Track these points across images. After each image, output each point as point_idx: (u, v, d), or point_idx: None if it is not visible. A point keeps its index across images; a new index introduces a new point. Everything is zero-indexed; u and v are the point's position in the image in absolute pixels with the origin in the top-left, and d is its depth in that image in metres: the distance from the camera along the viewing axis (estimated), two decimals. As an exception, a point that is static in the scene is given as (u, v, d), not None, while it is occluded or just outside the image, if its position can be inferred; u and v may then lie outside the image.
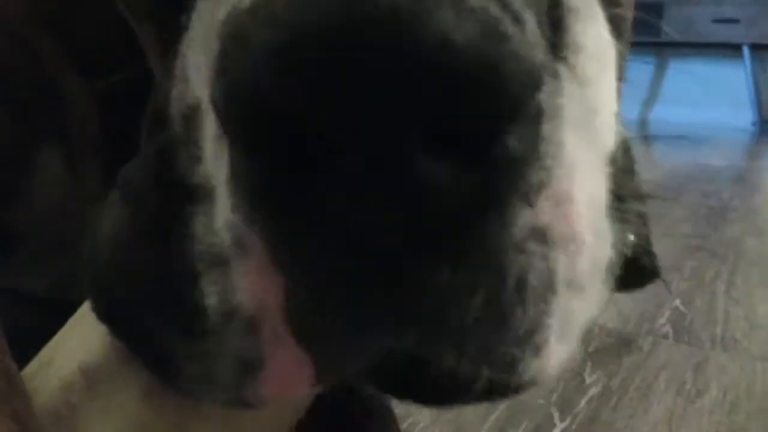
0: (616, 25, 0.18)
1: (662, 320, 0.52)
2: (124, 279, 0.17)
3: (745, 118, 3.35)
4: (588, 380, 0.42)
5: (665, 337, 0.49)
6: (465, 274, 0.11)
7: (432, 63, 0.10)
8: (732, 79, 3.34)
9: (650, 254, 0.17)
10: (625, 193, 0.15)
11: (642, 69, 3.55)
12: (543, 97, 0.12)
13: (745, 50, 3.14)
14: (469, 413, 0.37)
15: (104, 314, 0.17)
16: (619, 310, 0.52)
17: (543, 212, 0.12)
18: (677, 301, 0.56)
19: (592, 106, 0.15)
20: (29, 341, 0.21)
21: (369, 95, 0.10)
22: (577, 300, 0.14)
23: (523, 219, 0.12)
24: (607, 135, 0.15)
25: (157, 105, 0.16)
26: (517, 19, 0.11)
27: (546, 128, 0.12)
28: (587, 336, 0.32)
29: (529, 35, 0.11)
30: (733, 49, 3.29)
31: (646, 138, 1.92)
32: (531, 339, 0.13)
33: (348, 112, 0.10)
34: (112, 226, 0.17)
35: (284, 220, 0.12)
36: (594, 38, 0.14)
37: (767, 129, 3.10)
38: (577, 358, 0.34)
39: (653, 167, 1.41)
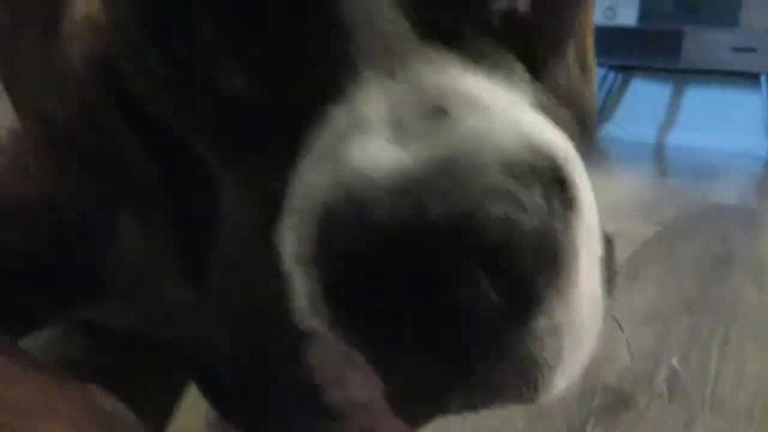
0: (585, 126, 0.26)
1: (659, 379, 0.58)
2: (253, 389, 0.23)
3: (759, 145, 3.38)
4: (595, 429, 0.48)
5: (660, 396, 0.55)
6: (503, 360, 0.19)
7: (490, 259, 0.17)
8: (748, 106, 3.37)
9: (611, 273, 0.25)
10: (606, 275, 0.22)
11: (660, 94, 3.58)
12: (562, 256, 0.19)
13: (763, 79, 3.17)
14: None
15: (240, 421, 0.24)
16: (621, 369, 0.59)
17: (558, 317, 0.19)
18: (674, 360, 0.62)
19: (592, 230, 0.22)
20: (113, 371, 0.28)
21: (434, 278, 0.17)
22: (576, 354, 0.21)
23: (544, 323, 0.19)
24: (598, 243, 0.22)
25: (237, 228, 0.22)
26: (546, 205, 0.18)
27: (564, 272, 0.19)
28: (591, 394, 0.40)
29: (553, 219, 0.18)
30: (751, 78, 3.32)
31: (662, 164, 1.97)
32: (541, 380, 0.20)
33: (421, 287, 0.17)
34: (228, 345, 0.24)
35: (388, 356, 0.19)
36: (582, 176, 0.21)
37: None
38: (582, 415, 0.41)
39: (667, 204, 1.47)
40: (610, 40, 3.42)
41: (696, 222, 1.30)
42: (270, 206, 0.19)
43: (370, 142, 0.18)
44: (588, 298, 0.20)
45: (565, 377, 0.20)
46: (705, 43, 3.22)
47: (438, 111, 0.18)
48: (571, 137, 0.21)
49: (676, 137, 3.48)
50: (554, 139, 0.19)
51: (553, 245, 0.18)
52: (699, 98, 3.50)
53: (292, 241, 0.18)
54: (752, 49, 3.12)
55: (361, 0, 0.19)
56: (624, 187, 1.66)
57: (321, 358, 0.19)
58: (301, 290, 0.18)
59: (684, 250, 1.04)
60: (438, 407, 0.20)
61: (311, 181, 0.18)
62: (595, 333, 0.21)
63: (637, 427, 0.49)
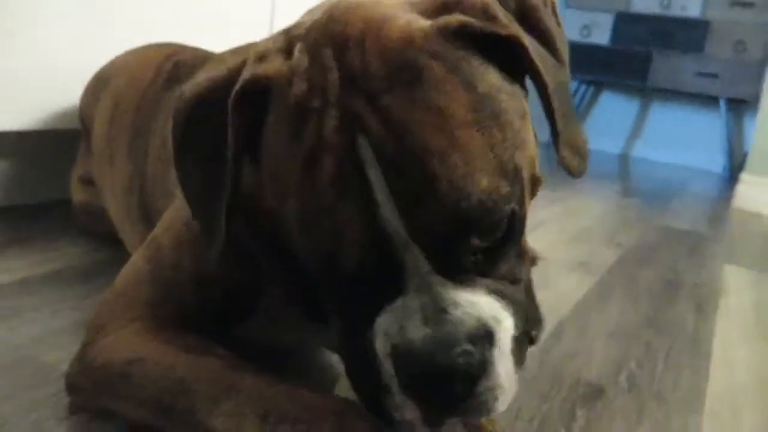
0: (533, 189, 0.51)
1: (622, 377, 0.84)
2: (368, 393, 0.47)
3: (717, 163, 3.70)
4: (578, 412, 0.73)
5: (623, 389, 0.81)
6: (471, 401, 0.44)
7: (463, 377, 0.43)
8: (708, 127, 3.69)
9: (538, 332, 0.50)
10: (531, 329, 0.48)
11: (627, 110, 3.85)
12: (489, 367, 0.43)
13: (722, 103, 3.48)
14: None
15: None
16: (596, 370, 0.84)
17: (489, 385, 0.44)
18: (633, 364, 0.88)
19: (504, 347, 0.46)
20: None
21: (451, 387, 0.42)
22: (503, 396, 0.45)
23: (484, 388, 0.44)
24: (508, 352, 0.46)
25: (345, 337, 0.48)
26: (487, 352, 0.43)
27: (490, 372, 0.44)
28: (576, 387, 0.66)
29: (484, 354, 0.43)
30: (712, 101, 3.63)
31: (626, 182, 2.21)
32: (488, 407, 0.44)
33: (447, 391, 0.43)
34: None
35: (428, 414, 0.44)
36: (504, 324, 0.46)
37: (735, 175, 3.45)
38: (570, 402, 0.67)
39: (629, 229, 1.73)
40: (584, 56, 3.69)
41: (652, 247, 1.56)
42: (355, 328, 0.45)
43: (411, 323, 0.42)
44: (504, 375, 0.44)
45: (502, 402, 0.45)
46: (671, 66, 3.53)
47: (443, 310, 0.42)
48: (511, 297, 0.46)
49: (640, 150, 3.79)
50: (492, 312, 0.44)
51: (483, 366, 0.43)
52: (663, 116, 3.80)
53: (382, 351, 0.43)
54: (714, 75, 3.44)
55: (409, 256, 0.42)
56: (592, 211, 1.92)
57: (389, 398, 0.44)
58: (386, 369, 0.43)
59: (641, 276, 1.31)
60: (445, 419, 0.45)
61: (387, 331, 0.43)
62: (513, 386, 0.45)
63: (608, 410, 0.75)
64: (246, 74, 0.47)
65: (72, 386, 0.59)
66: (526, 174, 0.46)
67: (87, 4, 1.09)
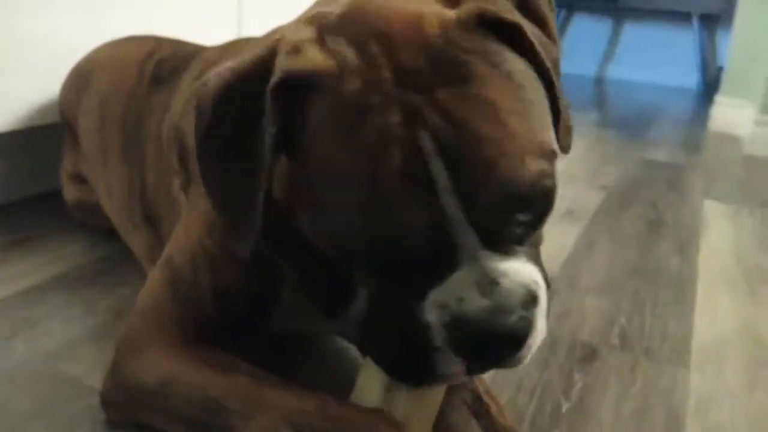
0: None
1: (613, 335, 0.89)
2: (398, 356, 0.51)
3: (691, 79, 3.72)
4: (576, 376, 0.79)
5: (615, 347, 0.86)
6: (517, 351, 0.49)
7: (516, 339, 0.47)
8: (681, 44, 3.68)
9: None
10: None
11: (600, 31, 3.83)
12: (533, 327, 0.49)
13: (694, 19, 3.47)
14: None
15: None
16: (590, 330, 0.89)
17: (531, 342, 0.49)
18: (623, 319, 0.93)
19: (543, 305, 0.50)
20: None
21: (502, 349, 0.47)
22: (537, 342, 0.50)
23: (531, 340, 0.48)
24: (545, 306, 0.51)
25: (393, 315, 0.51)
26: (529, 308, 0.48)
27: (532, 331, 0.49)
28: (573, 349, 0.72)
29: (530, 314, 0.48)
30: (684, 17, 3.62)
31: (602, 111, 2.22)
32: (526, 358, 0.50)
33: (498, 351, 0.47)
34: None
35: (474, 368, 0.48)
36: (542, 287, 0.51)
37: (710, 91, 3.48)
38: (569, 364, 0.72)
39: (609, 166, 1.77)
40: (557, -22, 3.63)
41: (634, 185, 1.61)
42: (400, 308, 0.49)
43: (470, 295, 0.46)
44: (540, 330, 0.49)
45: (532, 353, 0.50)
46: (644, -18, 3.48)
47: (494, 281, 0.46)
48: (537, 261, 0.51)
49: (615, 72, 3.79)
50: (533, 277, 0.48)
51: (532, 328, 0.47)
52: (636, 36, 3.78)
53: (436, 322, 0.47)
54: (686, -9, 3.41)
55: (462, 236, 0.45)
56: (573, 147, 1.95)
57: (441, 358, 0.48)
58: (439, 336, 0.47)
59: (625, 219, 1.35)
60: (487, 369, 0.50)
61: (444, 303, 0.47)
62: (542, 337, 0.50)
63: (603, 370, 0.80)
64: (286, 65, 0.47)
65: (108, 403, 0.62)
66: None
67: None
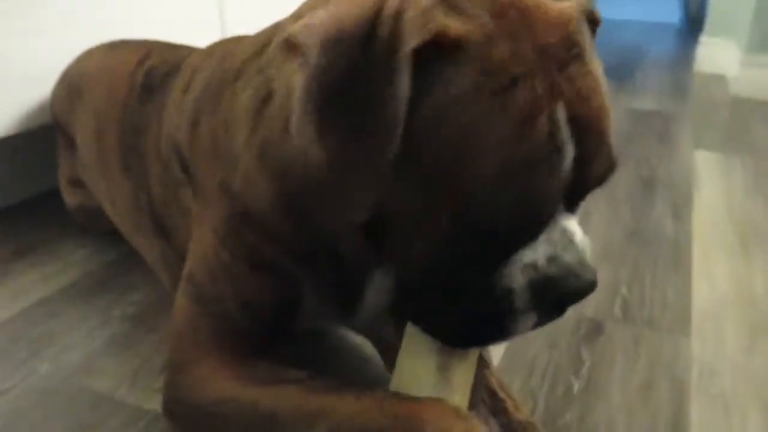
0: None
1: (616, 307, 0.92)
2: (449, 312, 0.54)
3: (673, 14, 3.69)
4: (584, 354, 0.82)
5: (619, 320, 0.89)
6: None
7: (588, 290, 0.52)
8: (663, -22, 3.63)
9: None
10: None
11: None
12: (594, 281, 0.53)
13: (676, -49, 3.39)
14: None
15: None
16: (593, 304, 0.92)
17: None
18: (624, 289, 0.96)
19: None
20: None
21: (581, 296, 0.52)
22: None
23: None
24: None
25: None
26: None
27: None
28: (578, 326, 0.75)
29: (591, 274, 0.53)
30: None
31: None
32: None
33: (579, 297, 0.52)
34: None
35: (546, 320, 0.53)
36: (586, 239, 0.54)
37: (692, 27, 3.46)
38: (575, 341, 0.75)
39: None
40: None
41: (625, 139, 1.62)
42: (475, 275, 0.52)
43: (552, 251, 0.50)
44: None
45: None
46: None
47: (570, 240, 0.51)
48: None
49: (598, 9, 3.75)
50: (586, 241, 0.53)
51: (595, 279, 0.52)
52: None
53: (521, 282, 0.51)
54: None
55: (551, 208, 0.50)
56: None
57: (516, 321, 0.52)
58: (522, 299, 0.51)
59: (619, 178, 1.37)
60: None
61: (526, 263, 0.51)
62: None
63: (608, 345, 0.83)
64: (428, 26, 0.45)
65: (171, 415, 0.64)
66: None
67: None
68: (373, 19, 0.46)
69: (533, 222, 0.50)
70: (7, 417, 0.70)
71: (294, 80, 0.56)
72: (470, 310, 0.52)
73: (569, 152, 0.48)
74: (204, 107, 0.70)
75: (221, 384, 0.60)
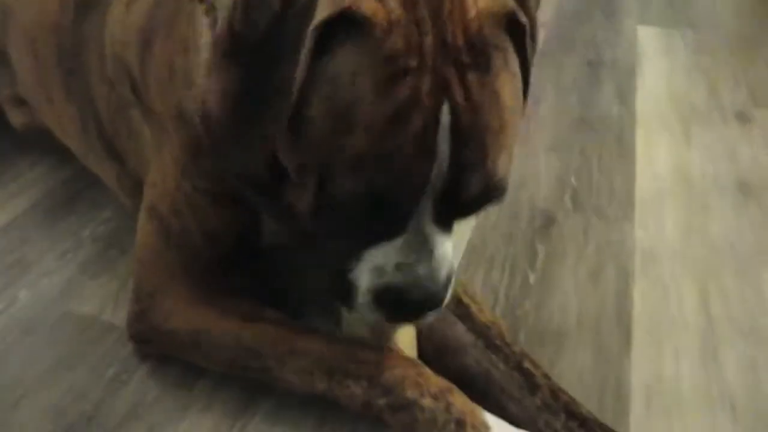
0: None
1: (566, 197, 0.98)
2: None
3: None
4: (538, 246, 0.89)
5: (569, 210, 0.96)
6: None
7: (433, 307, 0.54)
8: None
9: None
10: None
11: None
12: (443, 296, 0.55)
13: None
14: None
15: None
16: (545, 196, 0.98)
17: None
18: (573, 179, 1.02)
19: (452, 276, 0.58)
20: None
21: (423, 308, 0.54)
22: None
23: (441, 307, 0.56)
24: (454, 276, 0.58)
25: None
26: (444, 286, 0.55)
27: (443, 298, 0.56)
28: (532, 218, 0.82)
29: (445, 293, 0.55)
30: None
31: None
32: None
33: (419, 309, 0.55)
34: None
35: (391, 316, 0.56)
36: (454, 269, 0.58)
37: None
38: (530, 233, 0.82)
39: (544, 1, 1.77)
40: None
41: (571, 19, 1.62)
42: (341, 259, 0.54)
43: (404, 259, 0.51)
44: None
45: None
46: None
47: (430, 252, 0.51)
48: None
49: None
50: (452, 258, 0.54)
51: (443, 296, 0.53)
52: None
53: (365, 283, 0.53)
54: None
55: (425, 206, 0.50)
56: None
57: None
58: (364, 297, 0.53)
59: (566, 63, 1.40)
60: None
61: (376, 264, 0.52)
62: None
63: (560, 236, 0.90)
64: (342, 3, 0.46)
65: (141, 341, 0.68)
66: None
67: None
68: None
69: (388, 216, 0.49)
70: (-1, 347, 0.73)
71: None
72: (327, 283, 0.55)
73: (441, 158, 0.47)
74: (156, 27, 0.68)
75: (194, 314, 0.64)
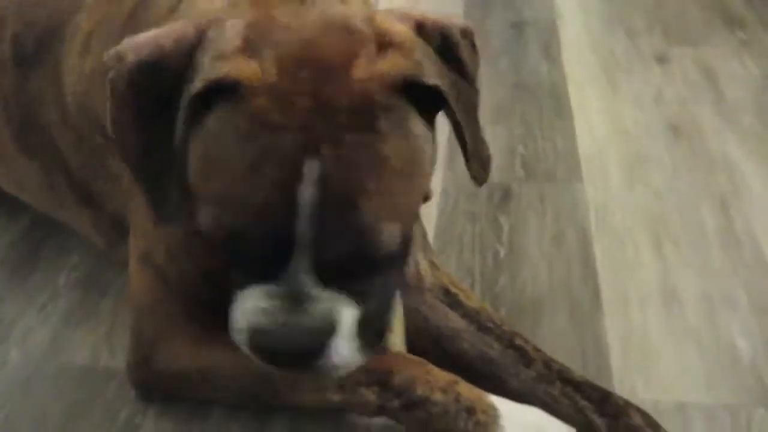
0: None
1: (517, 166, 1.04)
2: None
3: None
4: (501, 220, 0.94)
5: (522, 179, 1.01)
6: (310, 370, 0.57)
7: (304, 361, 0.55)
8: None
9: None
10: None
11: None
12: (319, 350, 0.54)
13: None
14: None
15: None
16: (498, 169, 1.03)
17: (332, 360, 0.55)
18: (520, 147, 1.08)
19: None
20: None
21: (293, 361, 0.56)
22: (346, 363, 0.56)
23: (325, 361, 0.55)
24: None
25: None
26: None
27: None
28: (491, 193, 0.88)
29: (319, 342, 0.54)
30: None
31: None
32: (329, 373, 0.56)
33: (290, 362, 0.56)
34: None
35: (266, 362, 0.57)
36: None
37: None
38: (491, 209, 0.87)
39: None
40: None
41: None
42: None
43: (271, 307, 0.53)
44: (345, 355, 0.54)
45: (341, 370, 0.55)
46: None
47: (303, 305, 0.52)
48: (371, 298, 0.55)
49: None
50: (339, 310, 0.53)
51: (321, 352, 0.53)
52: None
53: (238, 321, 0.56)
54: None
55: (300, 257, 0.51)
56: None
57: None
58: (245, 337, 0.56)
59: (490, 26, 1.44)
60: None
61: (246, 305, 0.54)
62: (356, 360, 0.55)
63: (519, 207, 0.96)
64: (212, 73, 0.51)
65: (146, 388, 0.70)
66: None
67: None
68: (184, 52, 0.52)
69: (253, 260, 0.52)
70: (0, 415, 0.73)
71: None
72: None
73: (305, 211, 0.49)
74: None
75: (199, 352, 0.66)
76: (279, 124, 0.49)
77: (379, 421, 0.68)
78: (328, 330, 0.53)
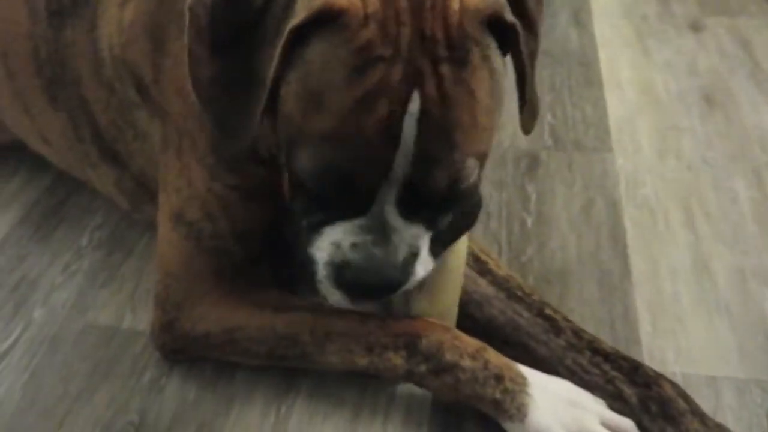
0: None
1: (546, 136, 1.01)
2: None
3: None
4: (528, 189, 0.92)
5: (550, 148, 0.99)
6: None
7: (390, 289, 0.56)
8: None
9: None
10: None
11: None
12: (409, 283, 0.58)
13: None
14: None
15: None
16: (530, 136, 1.01)
17: (414, 281, 0.58)
18: (549, 116, 1.05)
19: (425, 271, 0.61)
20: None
21: (378, 294, 0.57)
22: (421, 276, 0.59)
23: (408, 285, 0.58)
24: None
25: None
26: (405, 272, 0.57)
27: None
28: (518, 160, 0.86)
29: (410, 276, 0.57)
30: None
31: None
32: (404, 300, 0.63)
33: (375, 295, 0.58)
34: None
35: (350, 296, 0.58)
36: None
37: None
38: (519, 175, 0.86)
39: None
40: None
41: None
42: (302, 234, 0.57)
43: (360, 240, 0.53)
44: (422, 272, 0.57)
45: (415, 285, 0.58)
46: None
47: (388, 236, 0.53)
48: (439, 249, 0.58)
49: None
50: (417, 249, 0.55)
51: (406, 279, 0.56)
52: None
53: (322, 256, 0.56)
54: None
55: (388, 191, 0.52)
56: None
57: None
58: (322, 272, 0.56)
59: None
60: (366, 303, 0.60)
61: (333, 240, 0.55)
62: (428, 269, 0.58)
63: (547, 175, 0.94)
64: (313, 4, 0.49)
65: (171, 351, 0.69)
66: None
67: None
68: None
69: (348, 195, 0.52)
70: (25, 373, 0.73)
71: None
72: (298, 260, 0.58)
73: (406, 146, 0.49)
74: (166, 24, 0.66)
75: (232, 312, 0.66)
76: (386, 56, 0.49)
77: (404, 386, 0.68)
78: (412, 262, 0.54)
